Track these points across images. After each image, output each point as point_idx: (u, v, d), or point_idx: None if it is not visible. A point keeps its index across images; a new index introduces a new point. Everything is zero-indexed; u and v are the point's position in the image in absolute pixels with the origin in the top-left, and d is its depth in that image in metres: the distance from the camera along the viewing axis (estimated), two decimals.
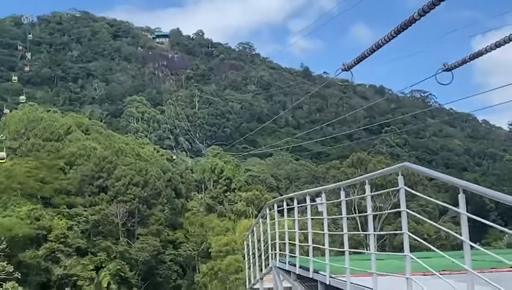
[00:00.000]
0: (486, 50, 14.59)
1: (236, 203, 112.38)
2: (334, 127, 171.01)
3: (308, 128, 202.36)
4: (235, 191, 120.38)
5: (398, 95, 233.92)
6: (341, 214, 11.80)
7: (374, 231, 10.12)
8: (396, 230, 73.04)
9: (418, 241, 9.24)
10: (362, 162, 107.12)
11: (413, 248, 8.99)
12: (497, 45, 14.05)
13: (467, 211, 7.07)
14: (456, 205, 7.14)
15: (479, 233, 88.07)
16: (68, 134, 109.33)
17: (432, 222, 9.37)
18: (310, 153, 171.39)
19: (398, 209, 8.78)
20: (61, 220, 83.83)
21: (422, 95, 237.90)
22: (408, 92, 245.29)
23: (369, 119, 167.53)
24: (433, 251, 8.63)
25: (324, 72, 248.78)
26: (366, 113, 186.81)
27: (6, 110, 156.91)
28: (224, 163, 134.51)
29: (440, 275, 8.05)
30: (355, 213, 68.39)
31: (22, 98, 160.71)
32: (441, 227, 9.65)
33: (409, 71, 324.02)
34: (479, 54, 15.05)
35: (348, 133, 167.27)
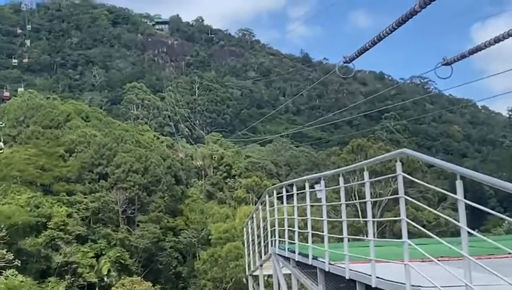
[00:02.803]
0: (485, 45, 14.59)
1: (236, 189, 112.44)
2: (334, 113, 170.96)
3: (308, 114, 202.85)
4: (235, 177, 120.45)
5: (397, 81, 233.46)
6: (340, 201, 11.81)
7: (373, 218, 10.13)
8: (395, 217, 72.98)
9: (417, 228, 9.26)
10: (362, 148, 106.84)
11: (412, 235, 9.01)
12: (496, 40, 14.05)
13: (466, 198, 7.07)
14: (455, 191, 7.14)
15: (478, 219, 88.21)
16: (68, 121, 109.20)
17: (430, 209, 9.38)
18: (310, 140, 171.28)
19: (396, 196, 8.80)
20: (61, 207, 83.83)
21: (422, 81, 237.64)
22: (408, 78, 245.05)
23: (368, 105, 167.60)
24: (432, 237, 8.66)
25: (324, 59, 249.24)
26: (365, 99, 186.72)
27: (6, 93, 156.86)
28: (224, 150, 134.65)
29: (438, 262, 8.07)
30: (355, 200, 68.44)
31: (21, 89, 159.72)
32: (439, 213, 9.66)
33: (408, 57, 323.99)
34: (478, 49, 15.05)
35: (348, 120, 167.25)
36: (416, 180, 9.41)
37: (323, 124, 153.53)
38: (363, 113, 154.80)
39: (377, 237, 74.87)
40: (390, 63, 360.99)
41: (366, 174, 10.08)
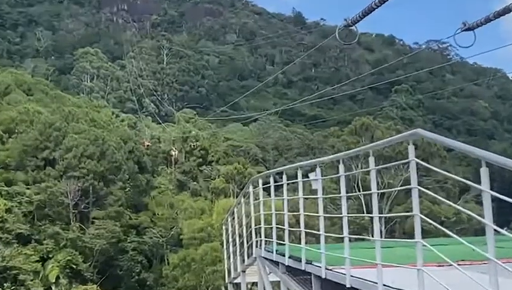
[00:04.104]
0: None
1: (214, 179, 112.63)
2: (333, 85, 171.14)
3: (301, 87, 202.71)
4: (212, 164, 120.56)
5: (411, 47, 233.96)
6: (340, 193, 11.86)
7: (380, 213, 10.18)
8: (407, 211, 73.43)
9: (433, 225, 9.31)
10: (367, 128, 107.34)
11: (427, 234, 9.08)
12: None
13: (493, 189, 7.11)
14: (480, 180, 7.19)
15: (507, 215, 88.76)
16: (6, 95, 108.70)
17: (449, 202, 9.43)
18: (304, 118, 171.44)
19: (407, 187, 8.84)
20: None
21: (440, 46, 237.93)
22: (423, 42, 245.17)
23: (375, 76, 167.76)
24: (450, 236, 8.72)
25: (321, 19, 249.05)
26: (372, 68, 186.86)
27: None
28: (199, 130, 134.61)
29: (458, 266, 8.14)
30: (359, 191, 68.75)
31: None
32: (460, 208, 9.72)
33: (424, 17, 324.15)
34: (506, 11, 14.99)
35: (350, 94, 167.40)
36: (432, 167, 9.45)
37: (320, 99, 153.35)
38: (369, 86, 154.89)
39: (385, 237, 75.36)
40: (401, 24, 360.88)
41: (371, 160, 10.13)
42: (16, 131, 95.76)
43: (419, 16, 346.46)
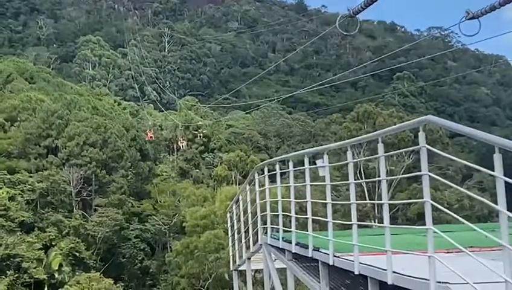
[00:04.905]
0: None
1: (216, 166, 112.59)
2: (335, 73, 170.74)
3: (303, 74, 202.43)
4: (214, 151, 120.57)
5: (412, 34, 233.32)
6: (344, 179, 11.81)
7: (388, 200, 10.09)
8: (410, 198, 73.33)
9: (440, 210, 9.22)
10: (369, 115, 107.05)
11: (432, 220, 8.99)
12: None
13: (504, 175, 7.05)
14: (484, 167, 7.13)
15: None
16: (8, 83, 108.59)
17: (459, 187, 9.38)
18: (306, 105, 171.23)
19: (418, 173, 8.74)
20: (1, 188, 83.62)
21: (442, 33, 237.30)
22: (425, 29, 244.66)
23: (377, 63, 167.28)
24: (457, 223, 8.63)
25: (322, 6, 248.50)
26: (373, 55, 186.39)
27: None
28: (201, 117, 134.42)
29: (469, 253, 8.06)
30: (361, 178, 68.60)
31: None
32: (470, 193, 9.69)
33: (425, 3, 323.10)
34: None
35: (352, 81, 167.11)
36: (444, 154, 9.37)
37: (322, 87, 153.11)
38: (371, 73, 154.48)
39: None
40: (403, 11, 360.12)
41: (380, 146, 10.03)
42: (19, 119, 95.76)
43: (420, 2, 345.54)
